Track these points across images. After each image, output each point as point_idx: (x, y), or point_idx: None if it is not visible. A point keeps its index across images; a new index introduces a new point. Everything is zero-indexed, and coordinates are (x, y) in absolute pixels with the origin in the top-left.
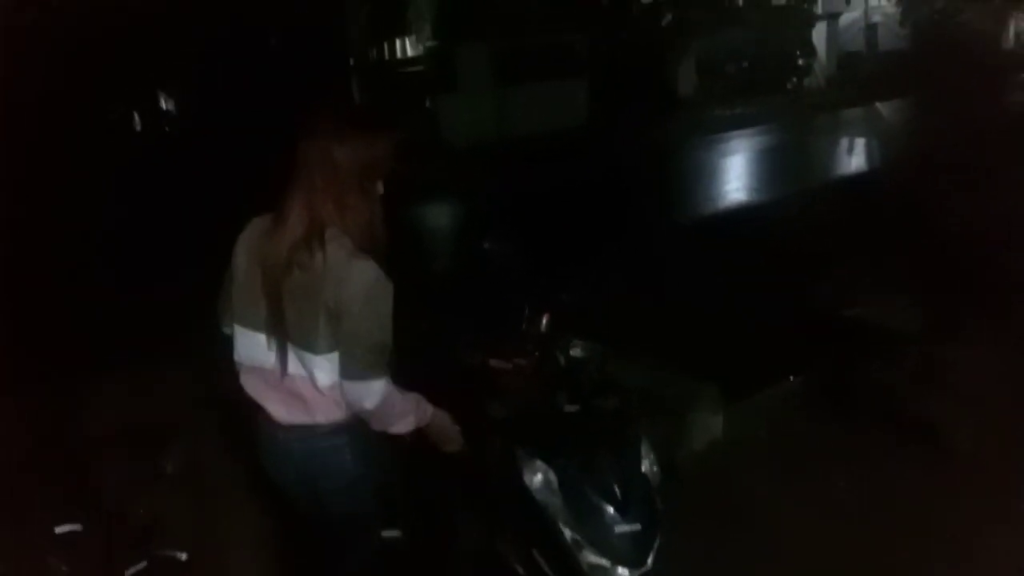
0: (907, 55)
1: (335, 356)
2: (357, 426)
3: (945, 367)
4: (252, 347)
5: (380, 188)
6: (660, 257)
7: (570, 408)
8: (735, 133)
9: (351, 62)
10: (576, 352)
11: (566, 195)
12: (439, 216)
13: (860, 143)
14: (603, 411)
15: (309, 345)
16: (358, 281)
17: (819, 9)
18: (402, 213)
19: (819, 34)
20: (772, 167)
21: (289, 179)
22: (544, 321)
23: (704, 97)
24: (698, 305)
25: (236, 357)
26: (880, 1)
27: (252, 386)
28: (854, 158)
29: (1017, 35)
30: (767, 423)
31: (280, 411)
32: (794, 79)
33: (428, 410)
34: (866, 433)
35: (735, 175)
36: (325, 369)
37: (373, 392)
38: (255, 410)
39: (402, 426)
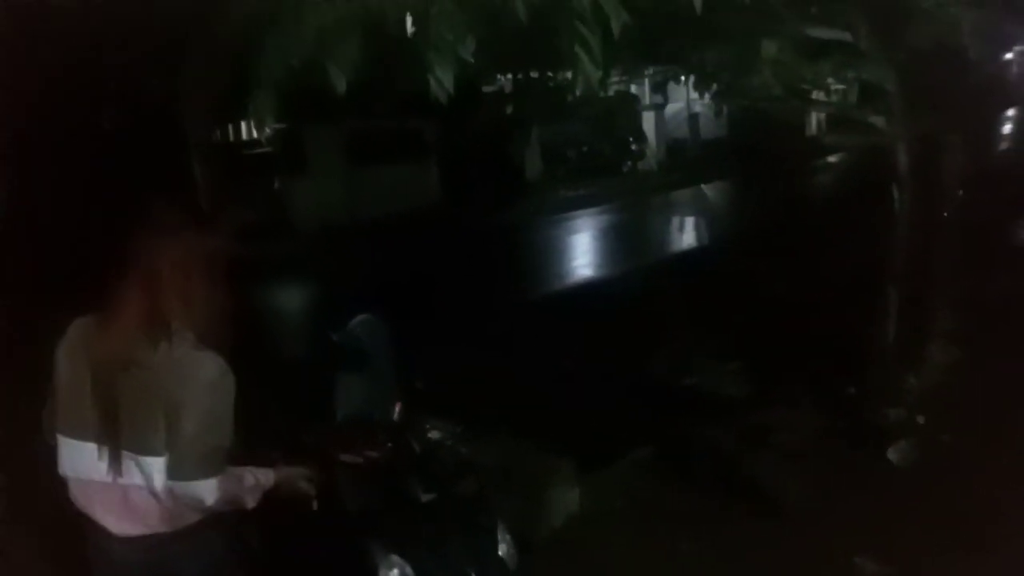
0: (724, 142)
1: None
2: (202, 529)
3: (771, 429)
4: (80, 458)
5: (223, 277)
6: (510, 335)
7: (426, 497)
8: (578, 213)
9: (194, 142)
10: (432, 436)
11: (418, 277)
12: (288, 301)
13: (689, 221)
14: (459, 498)
15: (147, 448)
16: (202, 377)
17: (646, 100)
18: (249, 298)
19: (648, 122)
20: (613, 245)
21: (121, 275)
22: (396, 410)
23: (549, 180)
24: (549, 381)
25: (61, 470)
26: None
27: (83, 499)
28: (685, 235)
29: (818, 123)
30: (620, 493)
31: (116, 523)
32: (629, 163)
33: (268, 475)
34: (709, 495)
35: (579, 252)
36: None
37: (209, 490)
38: (86, 525)
39: (251, 501)
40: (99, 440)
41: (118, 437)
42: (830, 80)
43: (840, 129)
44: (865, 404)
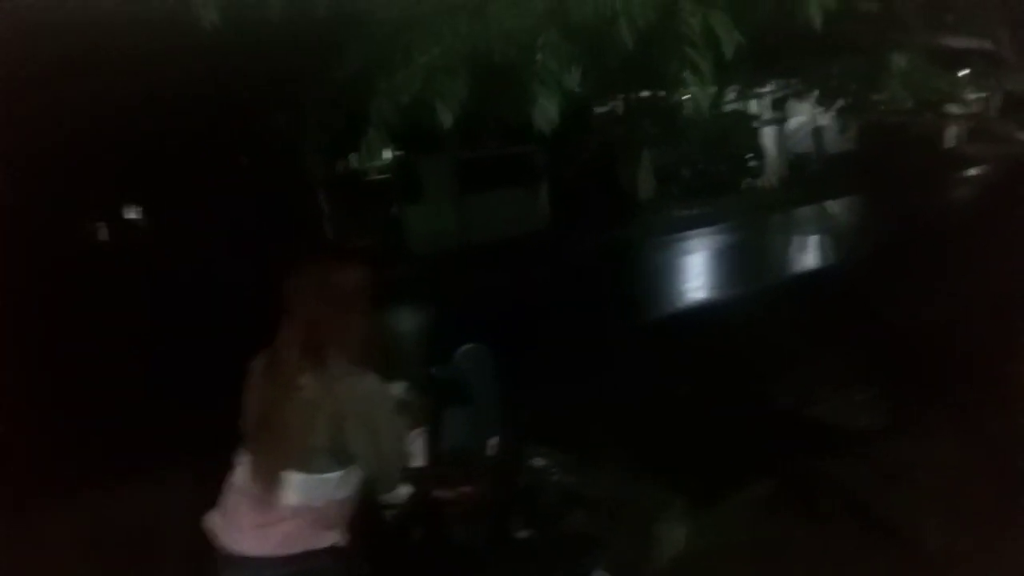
0: (851, 156)
1: (338, 474)
2: (320, 556)
3: (906, 464)
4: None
5: (370, 303)
6: (621, 362)
7: (523, 534)
8: (694, 232)
9: (319, 172)
10: (534, 470)
11: (528, 302)
12: (401, 325)
13: (812, 240)
14: (559, 535)
15: (316, 467)
16: (364, 396)
17: (766, 114)
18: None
19: (769, 138)
20: (731, 265)
21: (281, 315)
22: (491, 444)
23: (663, 199)
24: (661, 410)
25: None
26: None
27: (232, 511)
28: (808, 254)
29: (957, 135)
30: (735, 529)
31: (247, 543)
32: (747, 180)
33: None
34: (834, 534)
35: (694, 275)
36: (326, 487)
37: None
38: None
39: None
40: (258, 459)
41: (280, 458)
42: (968, 91)
43: (981, 141)
44: (1013, 440)
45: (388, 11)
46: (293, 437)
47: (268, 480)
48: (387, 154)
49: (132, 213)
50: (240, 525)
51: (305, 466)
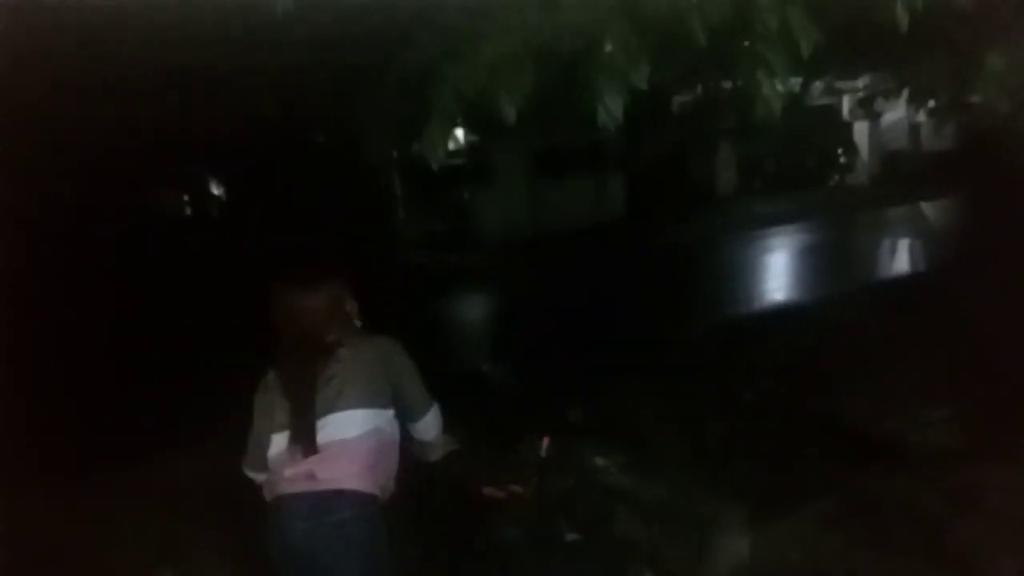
0: (949, 156)
1: (376, 412)
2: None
3: (986, 491)
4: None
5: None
6: (690, 363)
7: (570, 536)
8: (775, 230)
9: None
10: (586, 472)
11: (596, 294)
12: (465, 312)
13: (903, 244)
14: (606, 539)
15: (354, 403)
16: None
17: (859, 110)
18: (432, 303)
19: (861, 132)
20: (812, 266)
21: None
22: (544, 446)
23: (743, 194)
24: (725, 415)
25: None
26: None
27: (274, 481)
28: (897, 260)
29: None
30: (796, 547)
31: (306, 483)
32: (836, 177)
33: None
34: (902, 559)
35: (772, 275)
36: (370, 420)
37: (434, 422)
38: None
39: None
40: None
41: (316, 407)
42: None
43: None
44: None
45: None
46: (332, 390)
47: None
48: (459, 141)
49: (202, 199)
50: (283, 473)
51: (352, 403)
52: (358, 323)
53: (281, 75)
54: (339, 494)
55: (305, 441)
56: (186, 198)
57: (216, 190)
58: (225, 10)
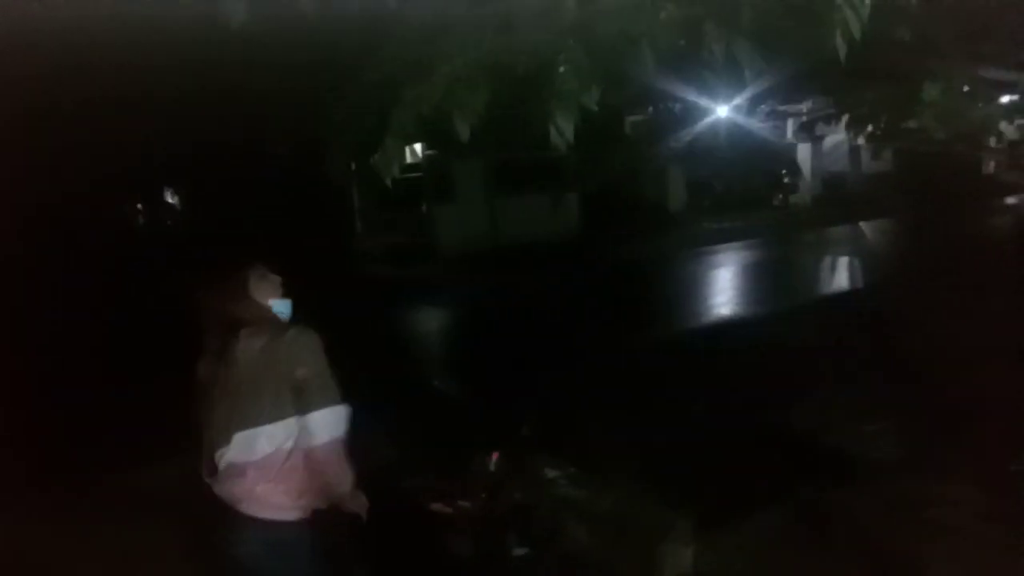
0: (888, 178)
1: (280, 425)
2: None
3: (930, 504)
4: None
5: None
6: (638, 376)
7: (519, 551)
8: (722, 247)
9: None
10: (535, 486)
11: (548, 308)
12: (423, 321)
13: (843, 261)
14: (555, 554)
15: (253, 420)
16: (295, 337)
17: (804, 133)
18: (388, 315)
19: (804, 154)
20: (757, 282)
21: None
22: (493, 461)
23: (693, 212)
24: (674, 428)
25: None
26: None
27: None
28: (837, 275)
29: (996, 161)
30: (742, 558)
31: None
32: (780, 196)
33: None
34: (843, 567)
35: (719, 289)
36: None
37: (332, 422)
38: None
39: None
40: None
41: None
42: (1004, 122)
43: (1019, 169)
44: None
45: (416, 20)
46: (240, 397)
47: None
48: (418, 155)
49: (164, 209)
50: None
51: (246, 423)
52: (281, 311)
53: (243, 88)
54: (244, 518)
55: (207, 460)
56: (140, 207)
57: (172, 199)
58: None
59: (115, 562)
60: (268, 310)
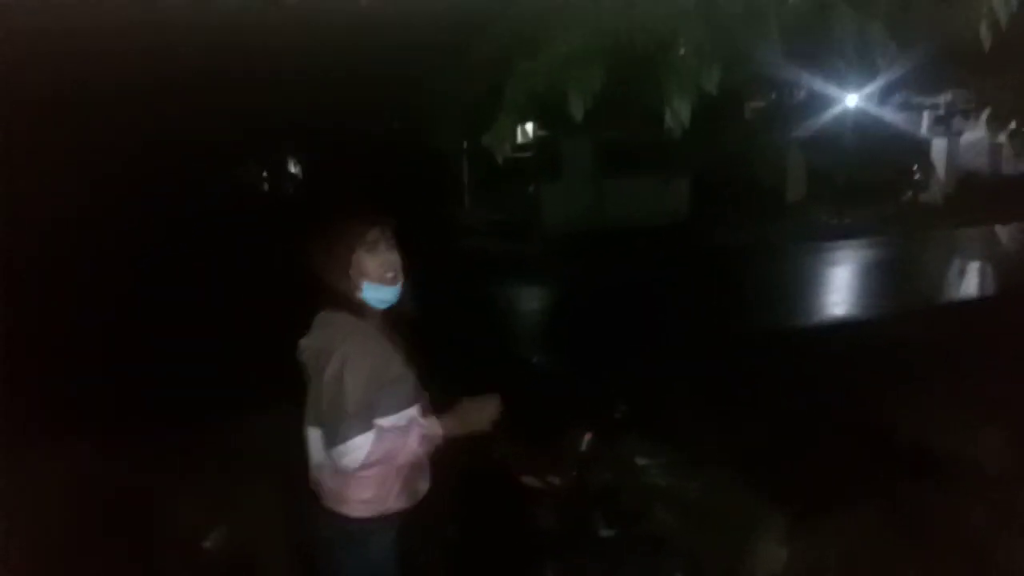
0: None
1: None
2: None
3: None
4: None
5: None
6: (740, 370)
7: (606, 533)
8: (841, 243)
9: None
10: (639, 463)
11: (654, 292)
12: (521, 301)
13: (973, 265)
14: (642, 538)
15: (313, 420)
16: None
17: (939, 125)
18: (491, 291)
19: (938, 150)
20: (877, 281)
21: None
22: (585, 440)
23: (811, 204)
24: (774, 423)
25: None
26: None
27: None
28: (966, 280)
29: None
30: (836, 558)
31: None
32: (909, 193)
33: (433, 424)
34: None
35: (835, 287)
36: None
37: (362, 447)
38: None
39: (420, 450)
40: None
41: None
42: None
43: None
44: None
45: None
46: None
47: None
48: (528, 133)
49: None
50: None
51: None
52: (373, 297)
53: (360, 61)
54: (324, 512)
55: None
56: (265, 176)
57: (293, 169)
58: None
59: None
60: (355, 293)
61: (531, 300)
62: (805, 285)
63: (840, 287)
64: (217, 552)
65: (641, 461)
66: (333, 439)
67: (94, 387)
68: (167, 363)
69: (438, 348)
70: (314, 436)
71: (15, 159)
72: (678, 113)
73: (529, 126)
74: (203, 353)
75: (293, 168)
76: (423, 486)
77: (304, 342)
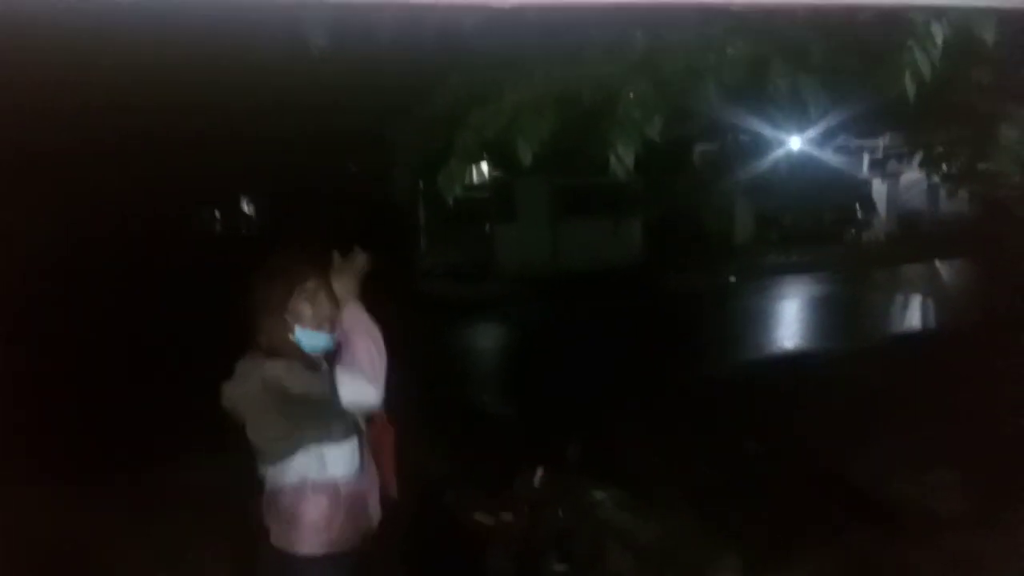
0: (967, 220)
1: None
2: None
3: (985, 558)
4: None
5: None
6: (693, 409)
7: (559, 568)
8: (789, 279)
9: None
10: (595, 498)
11: (607, 332)
12: (479, 339)
13: (915, 300)
14: (596, 574)
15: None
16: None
17: (878, 167)
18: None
19: (879, 190)
20: (824, 318)
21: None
22: (538, 475)
23: (760, 243)
24: (727, 463)
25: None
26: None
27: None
28: (909, 315)
29: None
30: None
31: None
32: (852, 231)
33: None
34: None
35: (781, 325)
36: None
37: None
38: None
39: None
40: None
41: None
42: None
43: None
44: None
45: (486, 48)
46: None
47: None
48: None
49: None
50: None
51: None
52: (304, 342)
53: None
54: (273, 551)
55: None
56: (217, 215)
57: (246, 209)
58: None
59: None
60: (288, 336)
61: (484, 340)
62: (754, 323)
63: (788, 323)
64: None
65: (598, 496)
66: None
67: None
68: (102, 406)
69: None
70: (263, 469)
71: None
72: (623, 159)
73: (485, 170)
74: (141, 394)
75: (246, 209)
76: (371, 520)
77: (229, 386)
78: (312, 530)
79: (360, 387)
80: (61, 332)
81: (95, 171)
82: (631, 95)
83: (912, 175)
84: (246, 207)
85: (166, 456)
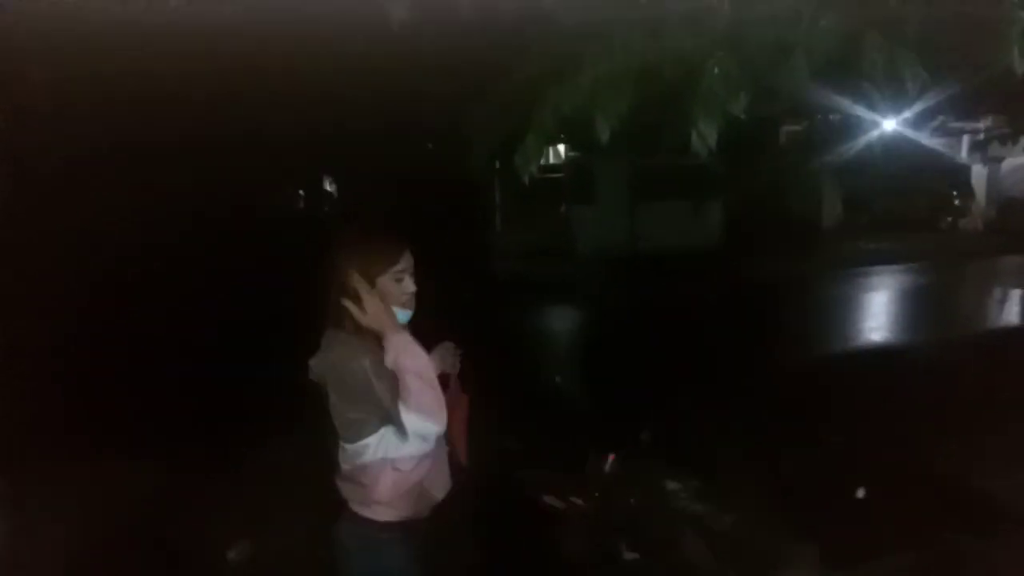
0: None
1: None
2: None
3: None
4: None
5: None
6: (774, 399)
7: (629, 556)
8: (878, 269)
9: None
10: (668, 487)
11: (686, 317)
12: (552, 322)
13: (1014, 294)
14: (667, 563)
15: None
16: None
17: (978, 151)
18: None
19: (979, 176)
20: (915, 309)
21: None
22: (608, 462)
23: (848, 230)
24: (808, 455)
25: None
26: None
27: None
28: (1008, 309)
29: None
30: None
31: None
32: (948, 219)
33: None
34: None
35: (867, 316)
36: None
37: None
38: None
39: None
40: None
41: None
42: None
43: None
44: None
45: (568, 21)
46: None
47: None
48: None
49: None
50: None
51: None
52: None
53: (395, 84)
54: (350, 515)
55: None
56: (301, 194)
57: (328, 188)
58: (344, 22)
59: None
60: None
61: (559, 321)
62: (840, 312)
63: (876, 314)
64: (241, 563)
65: (672, 486)
66: (350, 438)
67: (113, 403)
68: (183, 380)
69: (465, 368)
70: (343, 444)
71: None
72: (705, 138)
73: (561, 149)
74: (217, 371)
75: (329, 187)
76: (441, 491)
77: (314, 362)
78: (387, 500)
79: (423, 425)
80: (156, 314)
81: (199, 160)
82: (715, 70)
83: (1016, 159)
84: (328, 186)
85: (256, 430)
